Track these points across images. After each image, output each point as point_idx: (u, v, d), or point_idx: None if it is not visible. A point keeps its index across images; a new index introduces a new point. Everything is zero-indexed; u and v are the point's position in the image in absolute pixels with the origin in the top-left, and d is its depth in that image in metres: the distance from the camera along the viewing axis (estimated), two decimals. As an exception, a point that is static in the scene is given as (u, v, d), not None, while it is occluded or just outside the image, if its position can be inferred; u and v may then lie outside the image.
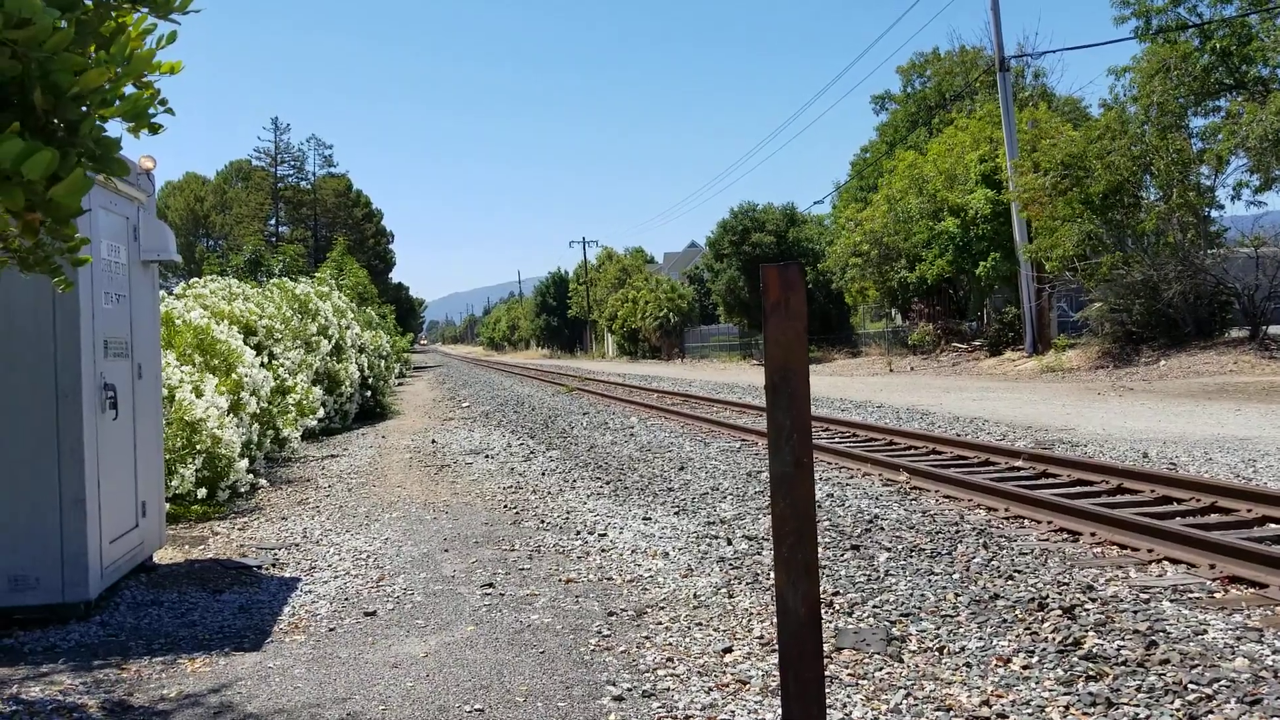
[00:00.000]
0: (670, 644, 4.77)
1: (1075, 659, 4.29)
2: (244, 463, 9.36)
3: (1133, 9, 25.82)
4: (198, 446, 8.71)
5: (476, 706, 4.03)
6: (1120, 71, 26.99)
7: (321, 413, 14.48)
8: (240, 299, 14.30)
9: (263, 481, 10.24)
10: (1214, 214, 26.20)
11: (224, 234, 79.04)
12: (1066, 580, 5.63)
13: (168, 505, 7.48)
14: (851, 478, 9.81)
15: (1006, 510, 7.74)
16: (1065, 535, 6.90)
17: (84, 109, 2.15)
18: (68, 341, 5.27)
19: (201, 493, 8.63)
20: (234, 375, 10.55)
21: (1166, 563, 5.99)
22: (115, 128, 2.61)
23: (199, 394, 9.07)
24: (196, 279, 14.97)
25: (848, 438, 13.23)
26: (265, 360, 13.21)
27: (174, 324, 10.46)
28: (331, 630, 5.21)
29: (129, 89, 2.37)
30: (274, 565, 6.79)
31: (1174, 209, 24.72)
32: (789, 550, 2.71)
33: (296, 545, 7.45)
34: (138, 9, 2.34)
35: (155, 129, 2.61)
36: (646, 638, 4.89)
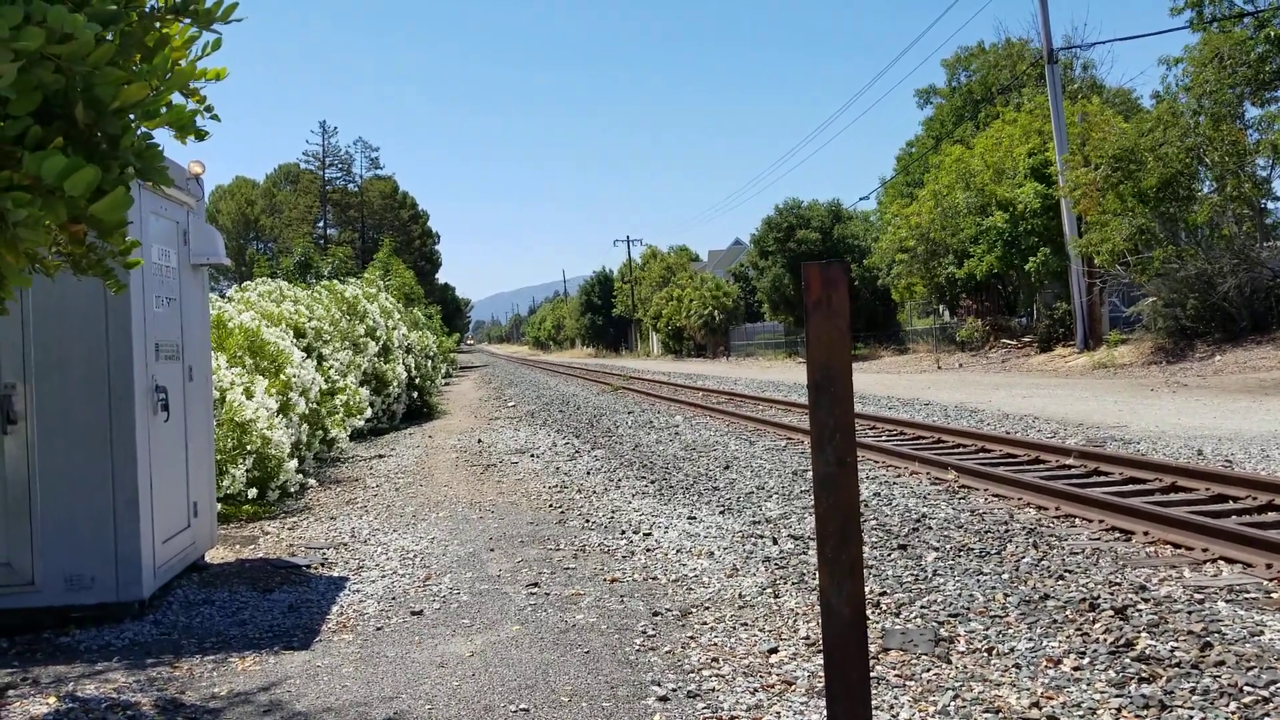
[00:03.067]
0: (715, 644, 4.76)
1: (1128, 660, 4.22)
2: (293, 463, 9.47)
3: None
4: (248, 447, 8.82)
5: (522, 706, 4.04)
6: (1173, 61, 26.50)
7: (369, 413, 14.61)
8: (290, 302, 14.48)
9: (312, 481, 10.36)
10: (1270, 205, 25.66)
11: (274, 237, 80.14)
12: (1118, 580, 5.54)
13: (219, 505, 7.59)
14: (899, 476, 9.72)
15: (1057, 509, 7.63)
16: (1117, 534, 6.78)
17: (129, 120, 2.18)
18: (120, 344, 5.36)
19: (252, 493, 8.74)
20: (283, 376, 10.68)
21: (1222, 562, 5.88)
22: (162, 135, 2.65)
23: (249, 395, 9.19)
24: (249, 282, 15.18)
25: (895, 435, 13.12)
26: (314, 361, 13.36)
27: (225, 326, 10.61)
28: (379, 629, 5.25)
29: (176, 98, 2.39)
30: (323, 565, 6.86)
31: (1228, 201, 24.22)
32: (833, 550, 2.69)
33: (345, 545, 7.52)
34: (180, 20, 2.37)
35: (201, 136, 2.64)
36: (691, 638, 4.88)
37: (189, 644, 5.10)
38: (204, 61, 2.64)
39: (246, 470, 8.71)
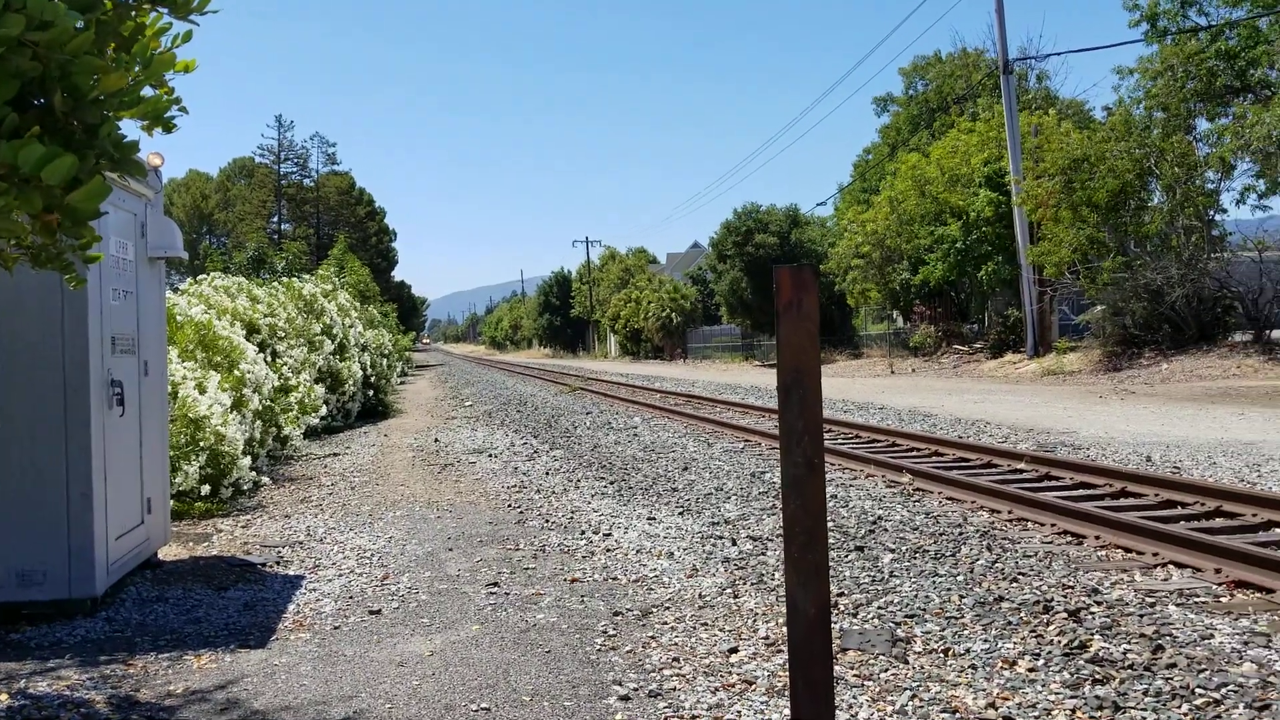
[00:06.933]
0: (676, 644, 4.78)
1: (1081, 662, 4.30)
2: (247, 460, 9.37)
3: (1142, 11, 25.81)
4: (201, 444, 8.71)
5: (483, 705, 4.04)
6: (1126, 72, 27.00)
7: (324, 411, 14.48)
8: (245, 297, 14.30)
9: (266, 479, 10.25)
10: (1218, 217, 26.20)
11: (227, 231, 79.20)
12: (1071, 583, 5.63)
13: (171, 502, 7.49)
14: (855, 479, 9.81)
15: (1010, 512, 7.74)
16: (1069, 538, 6.90)
17: (104, 112, 2.15)
18: (76, 337, 5.28)
19: (205, 490, 8.64)
20: (236, 372, 10.56)
21: (1172, 566, 6.00)
22: (128, 127, 2.62)
23: (202, 391, 9.07)
24: (204, 276, 14.97)
25: (851, 439, 13.23)
26: (268, 358, 13.22)
27: (175, 320, 10.45)
28: (337, 628, 5.21)
29: (148, 90, 2.37)
30: (278, 563, 6.80)
31: (1177, 212, 24.70)
32: (800, 551, 2.72)
33: (300, 543, 7.46)
34: (155, 9, 2.35)
35: (170, 127, 2.62)
36: (652, 637, 4.90)
37: (143, 641, 5.03)
38: (175, 53, 2.62)
39: (200, 467, 8.59)
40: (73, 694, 4.23)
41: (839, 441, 12.81)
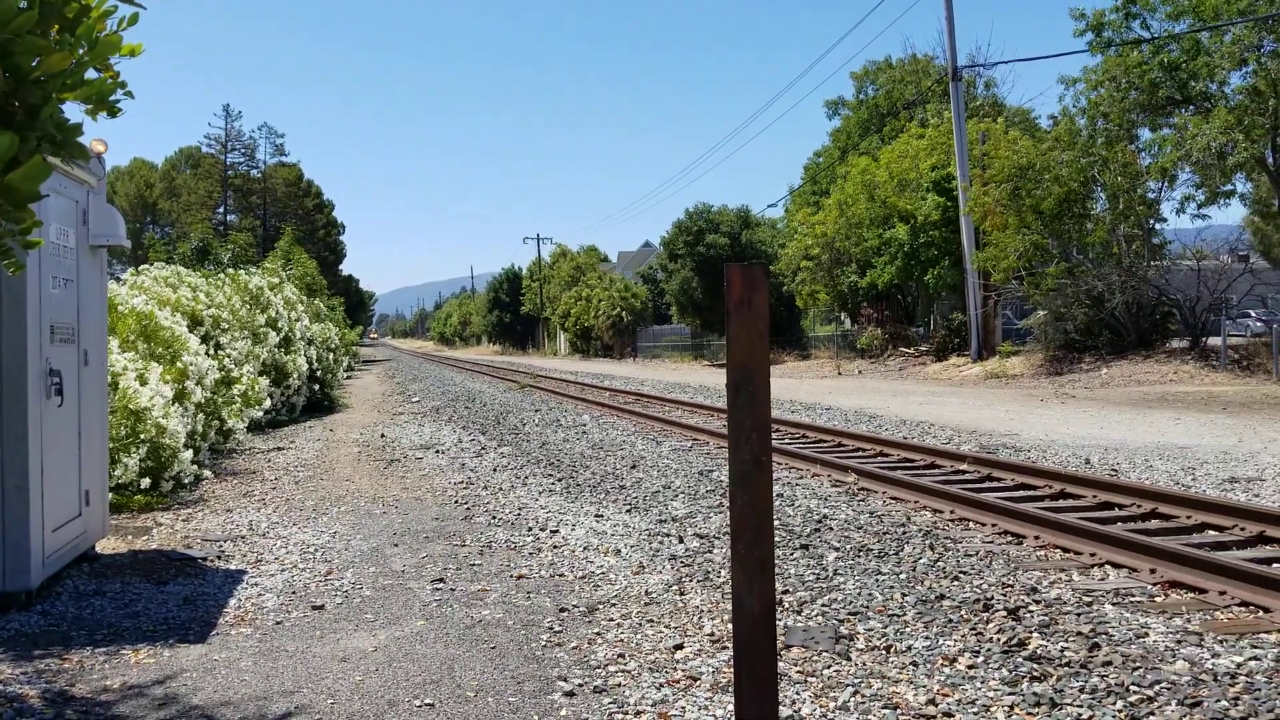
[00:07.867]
0: (622, 640, 4.79)
1: (1020, 659, 4.37)
2: (188, 453, 9.22)
3: (1087, 21, 26.26)
4: (141, 436, 8.56)
5: (426, 701, 4.02)
6: (1071, 81, 27.44)
7: (268, 404, 14.29)
8: (186, 288, 14.04)
9: (207, 473, 10.09)
10: (1158, 226, 26.75)
11: (172, 221, 77.76)
12: (1011, 582, 5.72)
13: (110, 495, 7.36)
14: (801, 478, 9.88)
15: (952, 512, 7.84)
16: (1010, 538, 7.01)
17: (47, 93, 2.11)
18: (13, 325, 5.17)
19: (145, 483, 8.49)
20: (180, 364, 10.38)
21: (1109, 566, 6.11)
22: (72, 110, 2.57)
23: (143, 382, 8.92)
24: (145, 265, 14.67)
25: (797, 439, 13.32)
26: (211, 350, 13.02)
27: (117, 310, 10.25)
28: (278, 623, 5.16)
29: (92, 73, 2.33)
30: (219, 557, 6.70)
31: (1119, 220, 25.18)
32: (746, 547, 2.74)
33: (242, 537, 7.36)
34: (102, -10, 2.31)
35: (115, 112, 2.57)
36: (598, 634, 4.90)
37: (79, 635, 4.94)
38: (121, 36, 2.58)
39: (140, 459, 8.45)
40: (5, 688, 4.14)
41: (786, 441, 12.89)
